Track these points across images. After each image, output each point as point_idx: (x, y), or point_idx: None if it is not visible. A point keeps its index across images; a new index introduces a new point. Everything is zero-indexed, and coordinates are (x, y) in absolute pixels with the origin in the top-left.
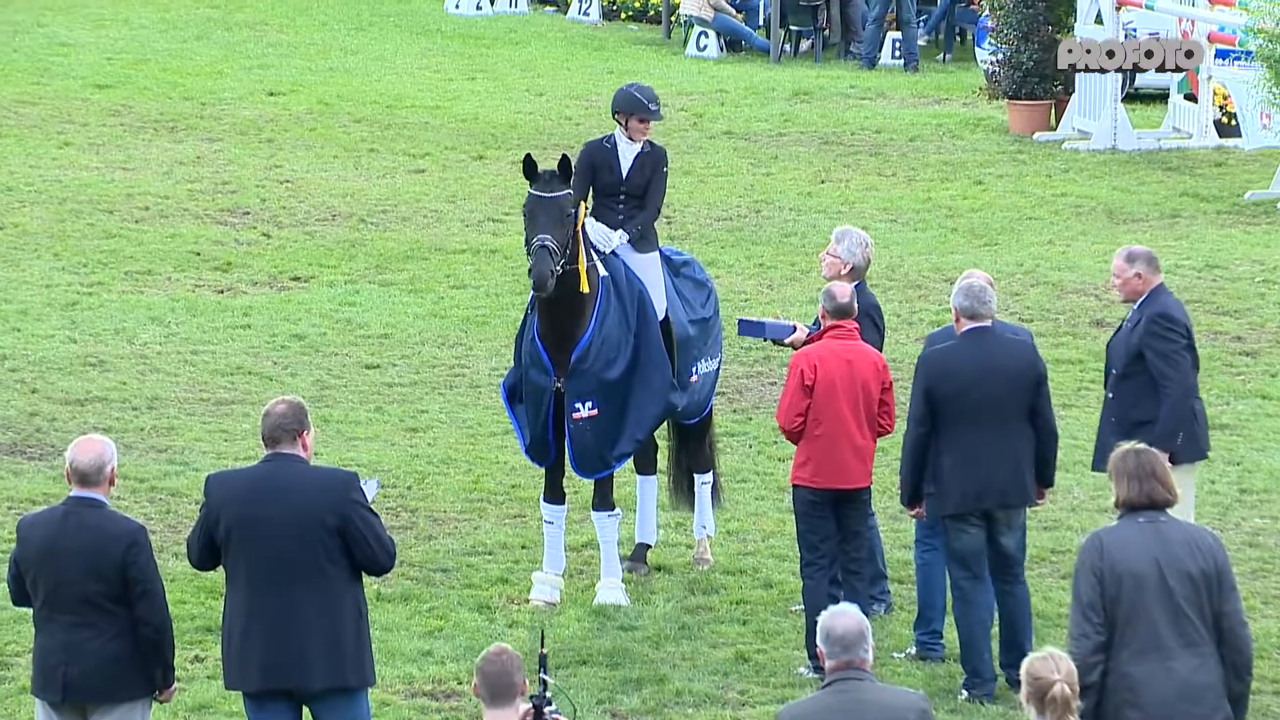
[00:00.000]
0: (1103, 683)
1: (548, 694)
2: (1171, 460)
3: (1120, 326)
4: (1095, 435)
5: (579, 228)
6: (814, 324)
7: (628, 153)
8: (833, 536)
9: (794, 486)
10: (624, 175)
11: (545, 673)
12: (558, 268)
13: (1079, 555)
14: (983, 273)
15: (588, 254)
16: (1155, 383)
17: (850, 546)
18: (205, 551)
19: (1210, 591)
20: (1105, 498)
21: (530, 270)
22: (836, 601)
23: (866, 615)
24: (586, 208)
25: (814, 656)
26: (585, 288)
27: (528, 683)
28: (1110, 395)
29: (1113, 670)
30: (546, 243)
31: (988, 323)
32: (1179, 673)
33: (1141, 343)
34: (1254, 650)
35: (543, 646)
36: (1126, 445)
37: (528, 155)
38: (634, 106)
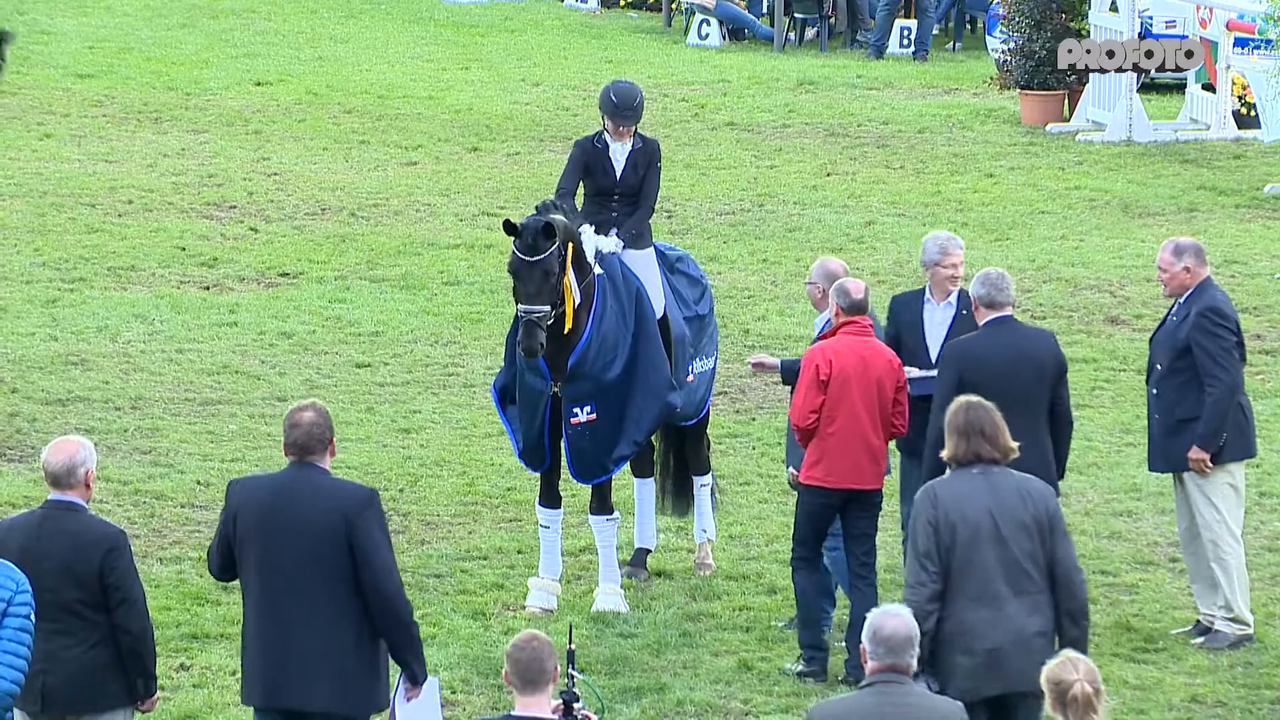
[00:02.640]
0: (938, 629)
1: (575, 689)
2: (1216, 459)
3: (1164, 320)
4: (1146, 435)
5: (566, 276)
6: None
7: (619, 153)
8: (826, 536)
9: (805, 486)
10: (618, 177)
11: (573, 668)
12: (546, 329)
13: (914, 507)
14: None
15: (579, 274)
16: (1200, 378)
17: (859, 549)
18: (225, 560)
19: (1043, 538)
20: (1119, 502)
21: (519, 342)
22: (830, 595)
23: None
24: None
25: (808, 647)
26: (569, 327)
27: (559, 670)
28: (1154, 392)
29: (949, 616)
30: (535, 316)
31: (1009, 312)
32: (1013, 620)
33: (1190, 338)
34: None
35: (570, 642)
36: (962, 399)
37: (506, 220)
38: (608, 110)
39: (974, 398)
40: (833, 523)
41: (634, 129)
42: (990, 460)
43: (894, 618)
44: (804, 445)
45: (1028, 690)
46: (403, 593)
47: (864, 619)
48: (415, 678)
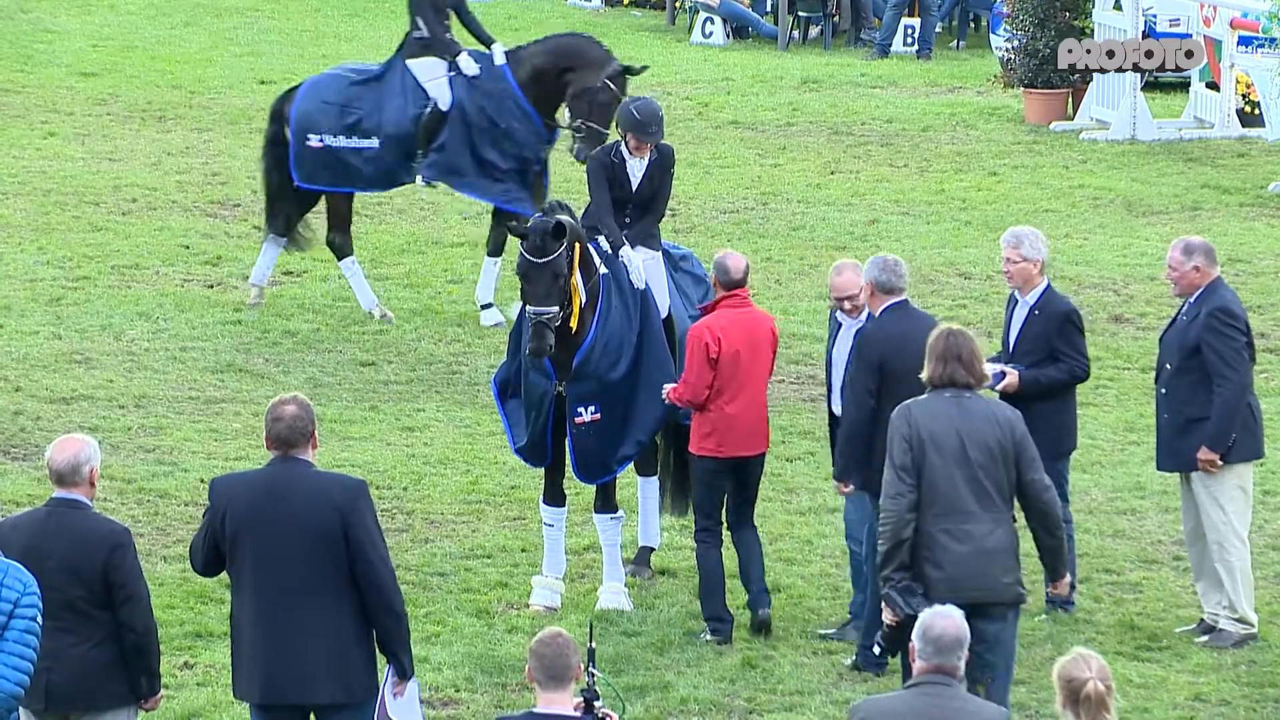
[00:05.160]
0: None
1: (596, 687)
2: (1224, 460)
3: (1174, 320)
4: (1150, 434)
5: (573, 277)
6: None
7: (637, 167)
8: (724, 502)
9: (698, 457)
10: (634, 189)
11: (594, 666)
12: (554, 331)
13: (890, 425)
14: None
15: (586, 272)
16: (1210, 378)
17: (744, 510)
18: (210, 557)
19: (1007, 462)
20: (1123, 500)
21: (528, 346)
22: (719, 564)
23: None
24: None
25: (710, 619)
26: (574, 325)
27: (581, 667)
28: (1163, 391)
29: (918, 529)
30: (544, 318)
31: (904, 296)
32: (974, 535)
33: (1200, 338)
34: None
35: (591, 640)
36: (944, 326)
37: (514, 223)
38: (632, 128)
39: (955, 325)
40: (725, 490)
41: (650, 146)
42: (964, 385)
43: (945, 618)
44: (694, 414)
45: (990, 601)
46: (396, 583)
47: (752, 567)
48: (403, 671)
